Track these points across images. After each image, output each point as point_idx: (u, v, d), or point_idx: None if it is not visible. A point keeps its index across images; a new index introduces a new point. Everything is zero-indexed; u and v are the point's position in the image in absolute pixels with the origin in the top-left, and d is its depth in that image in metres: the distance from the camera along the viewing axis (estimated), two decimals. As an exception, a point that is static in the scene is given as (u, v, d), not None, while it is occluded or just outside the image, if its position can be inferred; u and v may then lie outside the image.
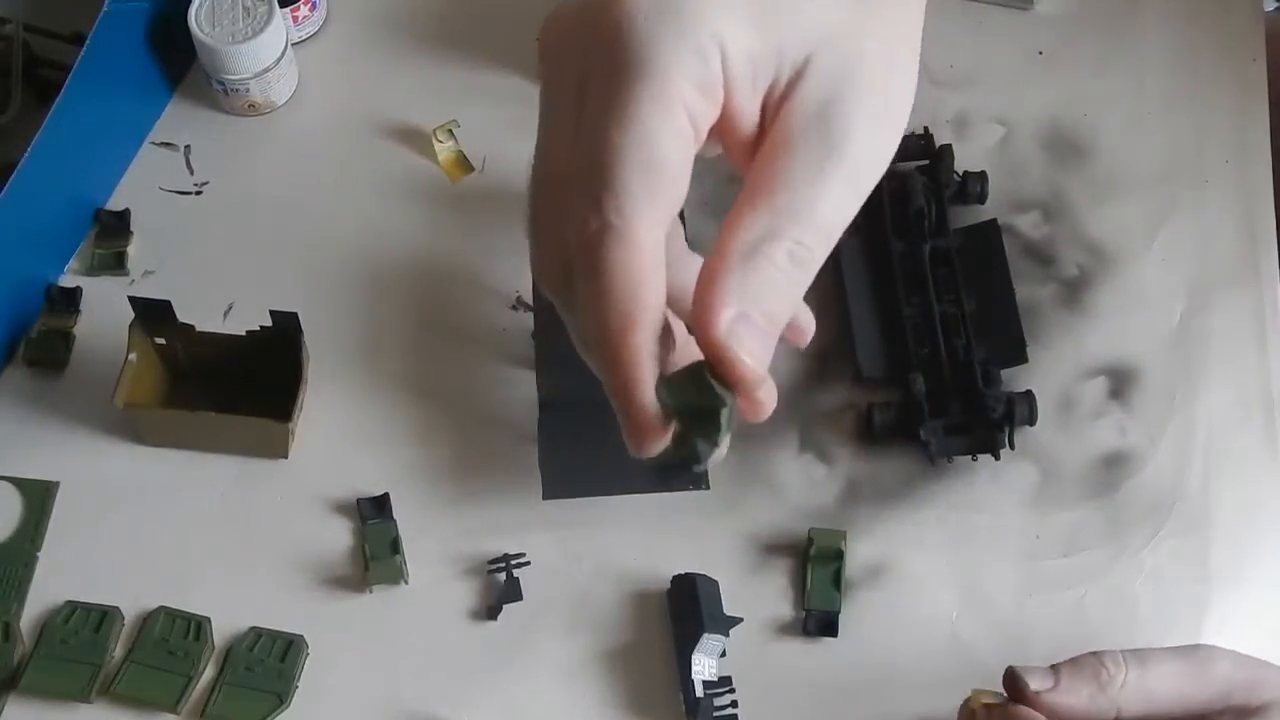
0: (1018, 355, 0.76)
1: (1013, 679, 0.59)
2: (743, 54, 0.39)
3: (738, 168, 0.43)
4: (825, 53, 0.40)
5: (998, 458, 0.73)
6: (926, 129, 0.80)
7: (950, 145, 0.80)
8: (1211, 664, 0.58)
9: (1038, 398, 0.74)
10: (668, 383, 0.41)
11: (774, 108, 0.41)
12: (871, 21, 0.41)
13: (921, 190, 0.78)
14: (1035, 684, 0.58)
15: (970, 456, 0.74)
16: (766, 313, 0.41)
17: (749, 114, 0.42)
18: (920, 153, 0.80)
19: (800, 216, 0.41)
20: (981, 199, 0.81)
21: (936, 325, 0.76)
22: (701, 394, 0.41)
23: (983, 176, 0.80)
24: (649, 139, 0.38)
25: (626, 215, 0.39)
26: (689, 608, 0.69)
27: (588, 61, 0.39)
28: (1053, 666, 0.59)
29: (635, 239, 0.39)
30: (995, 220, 0.80)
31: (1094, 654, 0.59)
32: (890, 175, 0.74)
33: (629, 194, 0.38)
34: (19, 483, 0.74)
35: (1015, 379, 0.76)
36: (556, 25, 0.41)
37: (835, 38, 0.40)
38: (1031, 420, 0.74)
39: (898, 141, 0.43)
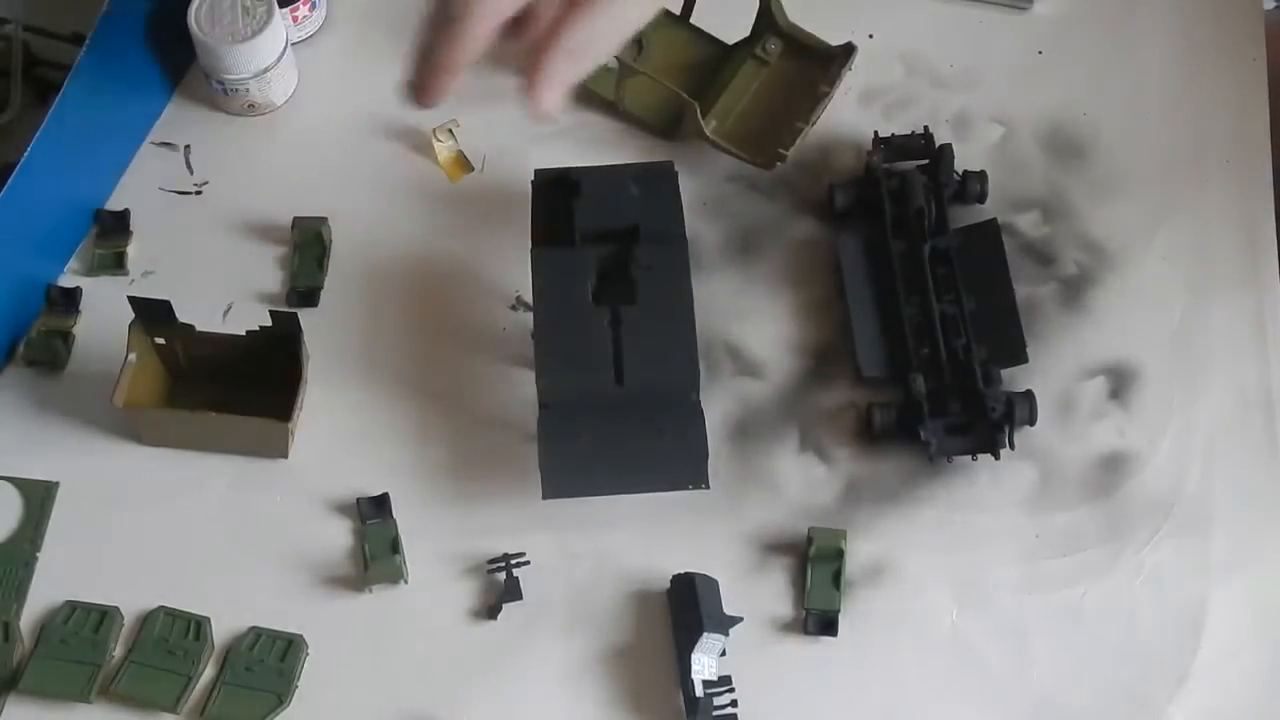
0: (1018, 355, 0.76)
1: None
2: None
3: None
4: None
5: (997, 457, 0.73)
6: (926, 128, 0.81)
7: (950, 145, 0.80)
8: None
9: (1038, 397, 0.74)
10: None
11: None
12: None
13: (922, 190, 0.78)
14: None
15: (970, 456, 0.74)
16: (567, 82, 0.63)
17: None
18: (921, 152, 0.80)
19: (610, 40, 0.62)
20: (981, 198, 0.81)
21: (936, 325, 0.76)
22: None
23: (982, 176, 0.80)
24: None
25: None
26: (689, 607, 0.69)
27: None
28: None
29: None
30: (995, 220, 0.80)
31: None
32: (890, 174, 0.78)
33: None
34: (19, 483, 0.74)
35: (1015, 379, 0.76)
36: None
37: None
38: (1031, 420, 0.74)
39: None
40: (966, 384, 0.74)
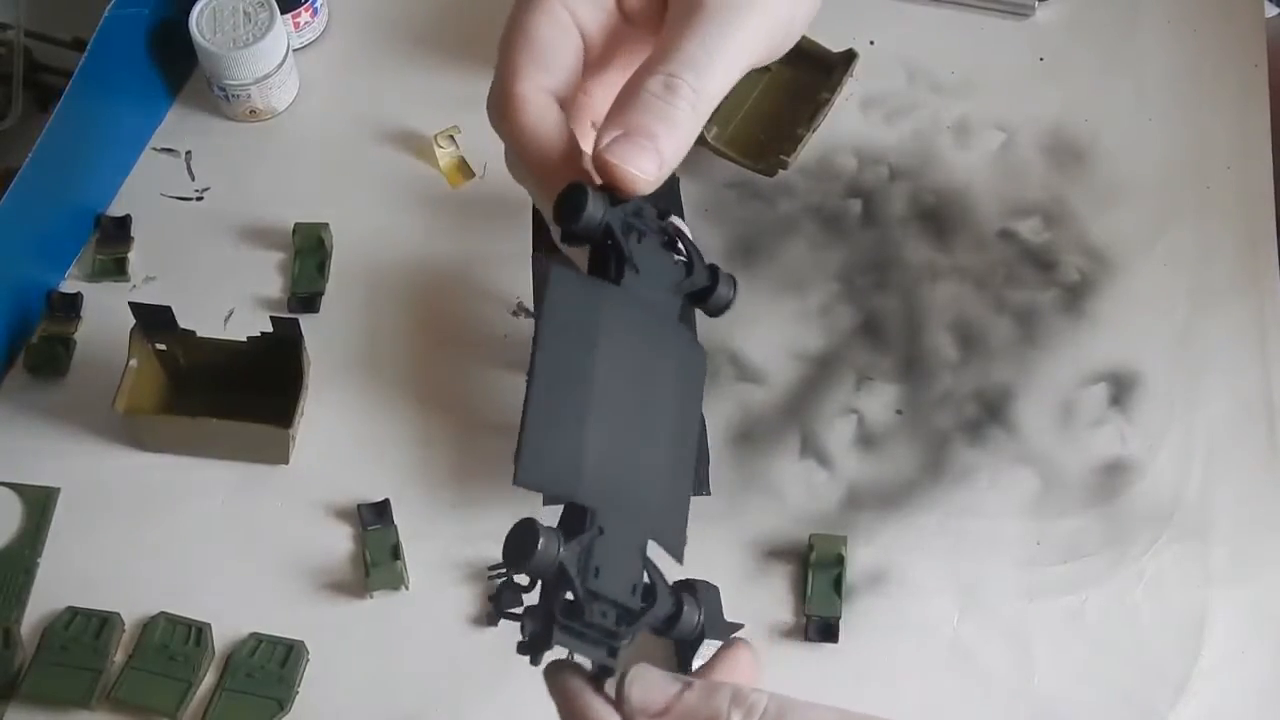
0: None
1: (620, 683, 0.48)
2: None
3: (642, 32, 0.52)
4: None
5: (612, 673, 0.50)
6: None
7: None
8: None
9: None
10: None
11: None
12: None
13: None
14: (640, 696, 0.47)
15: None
16: (642, 129, 0.48)
17: None
18: None
19: (696, 65, 0.48)
20: None
21: None
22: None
23: None
24: (528, 30, 0.49)
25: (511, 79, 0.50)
26: (689, 614, 0.67)
27: None
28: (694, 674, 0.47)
29: (520, 96, 0.50)
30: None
31: (731, 689, 0.47)
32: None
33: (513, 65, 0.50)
34: (20, 489, 0.74)
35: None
36: None
37: None
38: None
39: (796, 30, 0.54)
40: None
